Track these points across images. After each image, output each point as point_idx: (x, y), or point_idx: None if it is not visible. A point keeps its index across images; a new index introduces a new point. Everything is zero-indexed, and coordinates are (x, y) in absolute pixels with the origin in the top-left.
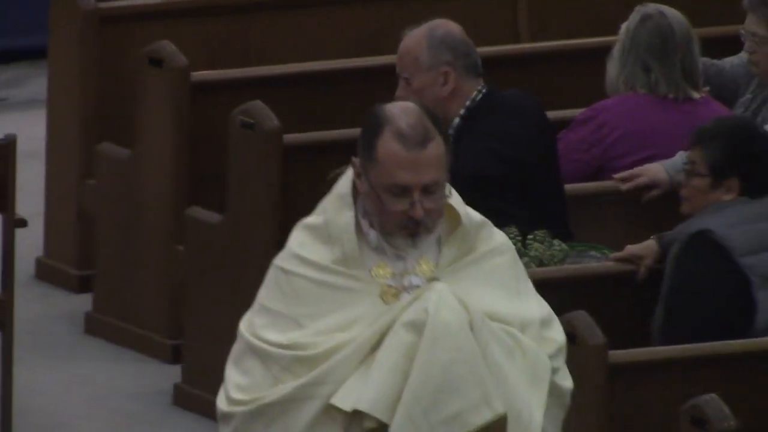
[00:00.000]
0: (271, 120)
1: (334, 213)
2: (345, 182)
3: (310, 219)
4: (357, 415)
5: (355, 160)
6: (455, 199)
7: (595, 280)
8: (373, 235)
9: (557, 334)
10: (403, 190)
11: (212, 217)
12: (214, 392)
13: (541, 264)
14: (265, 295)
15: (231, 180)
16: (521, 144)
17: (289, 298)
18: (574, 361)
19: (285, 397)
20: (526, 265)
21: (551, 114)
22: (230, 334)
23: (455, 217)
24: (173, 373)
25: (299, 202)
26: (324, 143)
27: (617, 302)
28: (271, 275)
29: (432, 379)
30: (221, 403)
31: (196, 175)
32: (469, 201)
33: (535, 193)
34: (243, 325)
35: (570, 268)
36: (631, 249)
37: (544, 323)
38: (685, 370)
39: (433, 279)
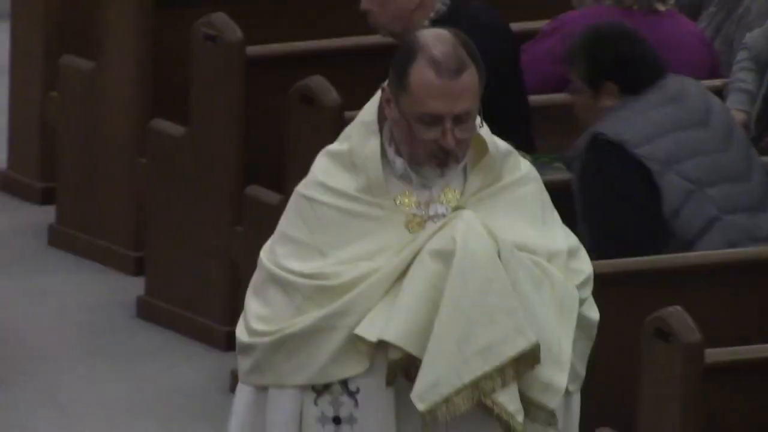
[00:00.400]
0: (234, 32)
1: (359, 140)
2: (370, 109)
3: (334, 146)
4: (382, 346)
5: (385, 85)
6: (483, 128)
7: None
8: (399, 162)
9: (584, 264)
10: (434, 119)
11: (175, 129)
12: (177, 304)
13: None
14: (286, 223)
15: (194, 92)
16: (486, 56)
17: (312, 226)
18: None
19: (308, 327)
20: None
21: (514, 26)
22: (193, 246)
23: (482, 145)
24: (136, 285)
25: (263, 113)
26: (287, 55)
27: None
28: (292, 203)
29: (463, 310)
30: (241, 335)
31: (160, 87)
32: None
33: (499, 104)
34: (264, 254)
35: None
36: None
37: (571, 253)
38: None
39: (458, 208)
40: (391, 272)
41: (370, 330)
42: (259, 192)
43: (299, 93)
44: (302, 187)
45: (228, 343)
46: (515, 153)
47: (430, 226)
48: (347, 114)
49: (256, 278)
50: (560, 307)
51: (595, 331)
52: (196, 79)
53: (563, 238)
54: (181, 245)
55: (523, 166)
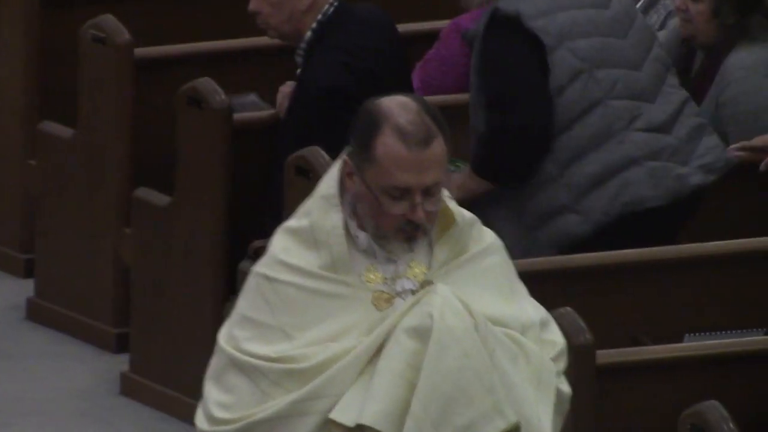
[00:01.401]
0: (123, 34)
1: (320, 215)
2: (329, 182)
3: (293, 222)
4: (359, 430)
5: (346, 158)
6: (449, 199)
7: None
8: (363, 237)
9: (557, 336)
10: (403, 192)
11: (64, 131)
12: (67, 306)
13: None
14: (246, 305)
15: (82, 94)
16: (372, 57)
17: (275, 308)
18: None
19: (278, 413)
20: None
21: (401, 27)
22: (82, 248)
23: (447, 215)
24: (26, 288)
25: (151, 115)
26: (176, 56)
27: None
28: (251, 283)
29: (441, 389)
30: (201, 424)
31: (48, 89)
32: (320, 114)
33: None
34: (222, 339)
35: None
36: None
37: (543, 325)
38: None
39: (425, 282)
40: (365, 352)
41: (346, 414)
42: (148, 194)
43: (187, 95)
44: (261, 267)
45: (118, 344)
46: (479, 222)
47: (399, 303)
48: (235, 116)
49: (214, 364)
50: (538, 382)
51: (568, 406)
52: (84, 81)
53: (533, 309)
54: (71, 247)
55: (486, 236)
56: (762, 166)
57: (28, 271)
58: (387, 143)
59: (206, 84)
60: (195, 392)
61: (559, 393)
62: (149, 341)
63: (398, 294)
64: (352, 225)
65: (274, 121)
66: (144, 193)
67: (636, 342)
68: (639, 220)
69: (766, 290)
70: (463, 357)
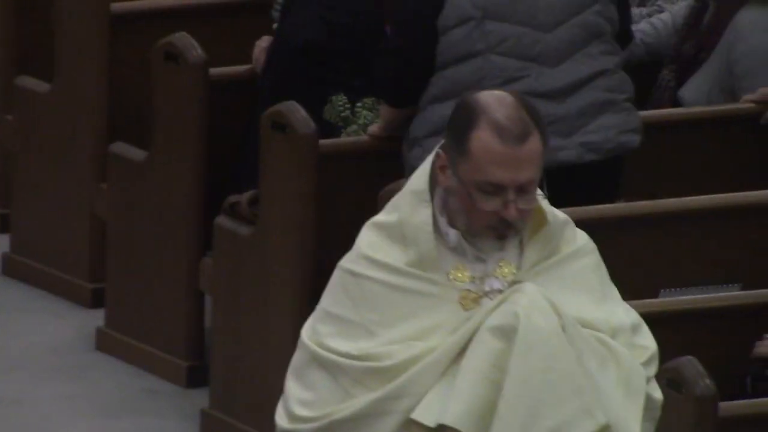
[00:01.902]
0: None
1: (409, 210)
2: (421, 177)
3: (381, 217)
4: (441, 430)
5: (439, 151)
6: (542, 198)
7: None
8: (452, 234)
9: (648, 341)
10: (496, 189)
11: (40, 86)
12: (44, 261)
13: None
14: (330, 300)
15: (58, 50)
16: (350, 12)
17: (359, 304)
18: None
19: (359, 412)
20: (355, 133)
21: None
22: (58, 203)
23: (540, 215)
24: (2, 243)
25: (128, 69)
26: (153, 11)
27: None
28: (336, 278)
29: (528, 390)
30: (281, 421)
31: (23, 45)
32: (297, 69)
33: (365, 62)
34: (305, 333)
35: None
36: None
37: (634, 329)
38: None
39: (514, 282)
40: (448, 351)
41: (428, 414)
42: (124, 149)
43: (163, 50)
44: (346, 262)
45: (93, 300)
46: (571, 223)
47: (486, 303)
48: (212, 71)
49: (296, 359)
50: (627, 387)
51: (659, 413)
52: (60, 36)
53: (625, 313)
54: (47, 202)
55: (579, 237)
56: (762, 119)
57: (3, 227)
58: (482, 138)
59: (183, 39)
60: (170, 347)
61: (650, 399)
62: (125, 296)
63: (486, 294)
64: (442, 221)
65: (250, 76)
66: (120, 148)
67: None
68: None
69: (741, 245)
70: (549, 358)
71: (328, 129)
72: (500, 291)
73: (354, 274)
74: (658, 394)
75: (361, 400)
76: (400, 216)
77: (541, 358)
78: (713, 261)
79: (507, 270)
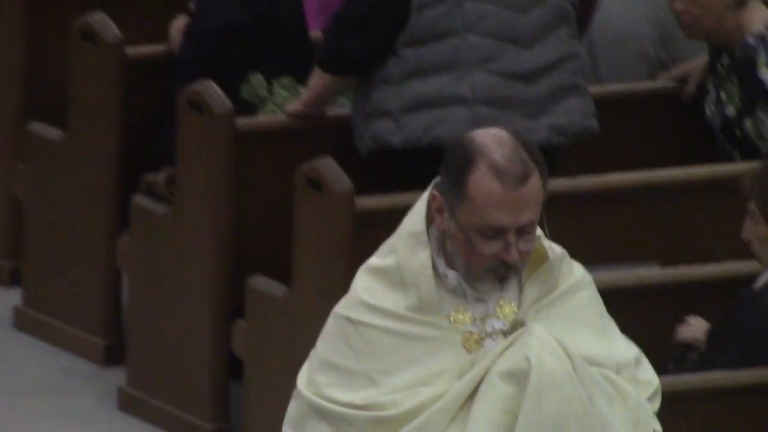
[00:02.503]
0: None
1: (407, 254)
2: (416, 218)
3: (376, 261)
4: None
5: (435, 192)
6: (539, 234)
7: None
8: (452, 276)
9: (651, 374)
10: (497, 232)
11: None
12: None
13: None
14: (327, 348)
15: None
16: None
17: (359, 352)
18: None
19: None
20: (272, 112)
21: None
22: None
23: (539, 251)
24: None
25: (44, 48)
26: None
27: None
28: (332, 326)
29: None
30: None
31: None
32: (214, 51)
33: (283, 42)
34: (301, 384)
35: None
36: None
37: (636, 363)
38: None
39: (516, 322)
40: (457, 398)
41: None
42: (40, 128)
43: (80, 29)
44: (343, 308)
45: (11, 279)
46: (567, 256)
47: (489, 344)
48: (128, 50)
49: (293, 410)
50: (635, 425)
51: None
52: None
53: (626, 346)
54: None
55: (576, 270)
56: (684, 96)
57: None
58: (481, 181)
59: (99, 19)
60: (87, 326)
61: None
62: (42, 275)
63: (488, 334)
64: (440, 263)
65: (167, 56)
66: (37, 127)
67: None
68: None
69: (659, 224)
70: (563, 402)
71: (246, 108)
72: (502, 331)
73: (352, 321)
74: (659, 426)
75: None
76: (397, 259)
77: (554, 403)
78: (631, 240)
79: (508, 309)
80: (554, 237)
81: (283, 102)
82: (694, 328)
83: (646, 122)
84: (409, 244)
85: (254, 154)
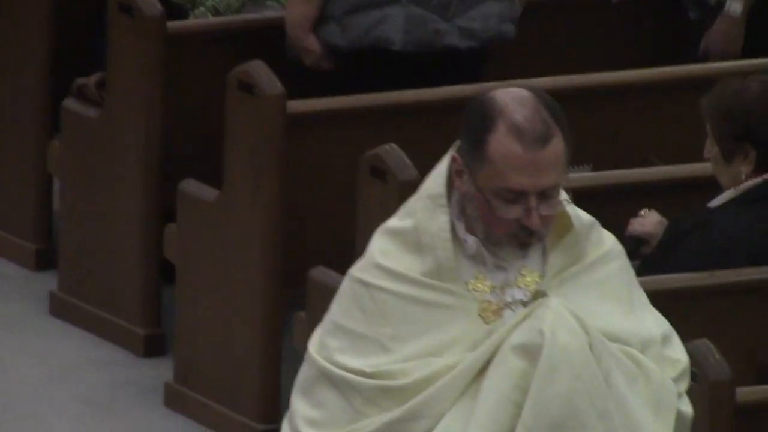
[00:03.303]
0: None
1: (426, 216)
2: (436, 179)
3: (394, 222)
4: None
5: (455, 154)
6: (564, 198)
7: None
8: (471, 241)
9: (680, 353)
10: (517, 196)
11: None
12: None
13: (217, 13)
14: (339, 312)
15: None
16: None
17: (372, 317)
18: None
19: None
20: (203, 15)
21: None
22: None
23: (565, 219)
24: None
25: None
26: None
27: None
28: (346, 288)
29: (548, 414)
30: None
31: None
32: None
33: None
34: (312, 347)
35: None
36: None
37: (665, 340)
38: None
39: (538, 292)
40: (468, 370)
41: None
42: None
43: None
44: (357, 271)
45: None
46: (598, 225)
47: (508, 315)
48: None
49: (303, 375)
50: (657, 406)
51: (689, 429)
52: None
53: (655, 322)
54: None
55: (606, 239)
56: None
57: None
58: (501, 142)
59: None
60: (18, 231)
61: (680, 415)
62: None
63: (507, 305)
64: (460, 227)
65: None
66: None
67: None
68: (394, 61)
69: (592, 127)
70: (574, 379)
71: (177, 11)
72: (523, 301)
73: (366, 284)
74: (689, 408)
75: (373, 420)
76: (415, 222)
77: (566, 380)
78: None
79: (530, 278)
80: None
81: (214, 4)
82: (646, 221)
83: (576, 26)
84: (427, 207)
85: (185, 57)
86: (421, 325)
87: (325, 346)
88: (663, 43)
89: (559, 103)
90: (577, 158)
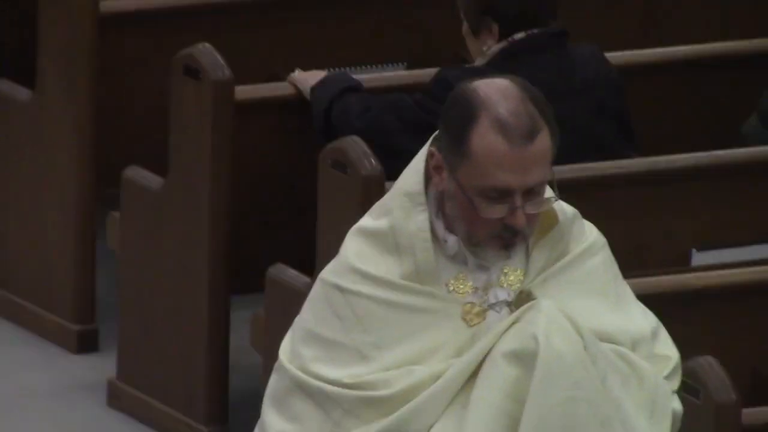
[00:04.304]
0: None
1: (403, 216)
2: (413, 176)
3: (368, 222)
4: None
5: (433, 149)
6: (553, 196)
7: None
8: (452, 241)
9: (669, 348)
10: (502, 194)
11: None
12: None
13: None
14: (313, 318)
15: None
16: None
17: (348, 324)
18: None
19: None
20: None
21: None
22: None
23: (550, 214)
24: None
25: None
26: None
27: None
28: (318, 293)
29: (549, 424)
30: None
31: None
32: None
33: None
34: (284, 355)
35: None
36: None
37: (654, 336)
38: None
39: (523, 293)
40: (455, 378)
41: None
42: None
43: None
44: (330, 275)
45: None
46: (580, 216)
47: (492, 317)
48: None
49: (275, 384)
50: (652, 407)
51: (679, 425)
52: None
53: (642, 316)
54: None
55: (588, 231)
56: None
57: None
58: (484, 137)
59: None
60: None
61: (673, 414)
62: None
63: (491, 306)
64: (439, 226)
65: None
66: None
67: (274, 78)
68: None
69: (406, 27)
70: (573, 387)
71: None
72: (507, 302)
73: (342, 289)
74: (678, 405)
75: None
76: (391, 222)
77: (564, 388)
78: (380, 42)
79: (513, 277)
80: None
81: None
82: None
83: None
84: (404, 205)
85: (120, 33)
86: (402, 331)
87: (298, 354)
88: None
89: (370, 5)
90: (391, 57)
